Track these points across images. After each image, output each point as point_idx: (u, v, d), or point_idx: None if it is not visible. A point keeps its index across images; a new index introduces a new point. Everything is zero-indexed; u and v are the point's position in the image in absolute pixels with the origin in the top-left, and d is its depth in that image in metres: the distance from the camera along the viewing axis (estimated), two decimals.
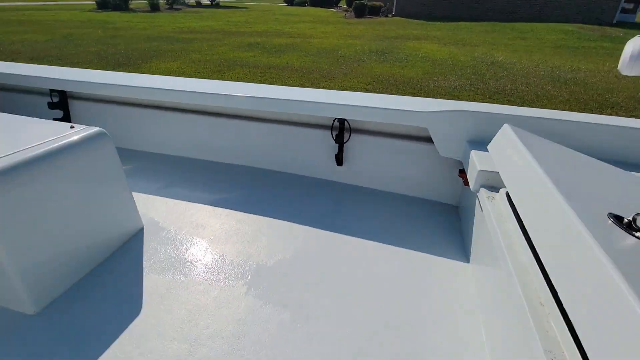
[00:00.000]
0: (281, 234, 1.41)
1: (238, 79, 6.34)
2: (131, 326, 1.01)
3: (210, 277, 1.19)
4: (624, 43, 0.91)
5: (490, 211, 1.05)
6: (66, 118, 2.11)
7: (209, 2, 27.65)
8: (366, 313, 1.07)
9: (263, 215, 1.52)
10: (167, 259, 1.27)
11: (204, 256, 1.29)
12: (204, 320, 1.03)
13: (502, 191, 1.12)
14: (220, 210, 1.56)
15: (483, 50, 9.32)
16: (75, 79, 1.93)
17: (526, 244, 0.86)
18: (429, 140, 1.57)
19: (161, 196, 1.65)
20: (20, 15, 16.36)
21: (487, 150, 1.28)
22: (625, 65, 0.90)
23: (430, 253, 1.34)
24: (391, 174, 1.71)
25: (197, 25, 14.01)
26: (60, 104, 2.07)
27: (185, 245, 1.34)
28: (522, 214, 0.80)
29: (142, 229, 1.42)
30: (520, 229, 0.91)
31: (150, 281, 1.17)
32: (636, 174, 1.20)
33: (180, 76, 6.51)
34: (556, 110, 1.39)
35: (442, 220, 1.55)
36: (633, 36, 0.91)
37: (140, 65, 7.23)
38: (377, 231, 1.45)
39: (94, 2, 22.37)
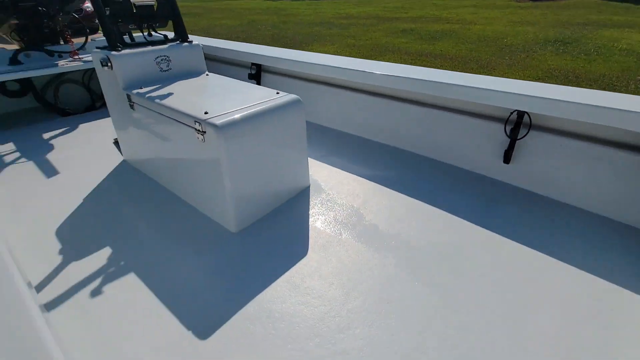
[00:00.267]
0: (432, 220, 1.41)
1: None
2: (300, 264, 1.21)
3: (362, 241, 1.30)
4: None
5: None
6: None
7: None
8: (524, 322, 0.99)
9: (414, 198, 1.54)
10: (327, 217, 1.45)
11: (359, 221, 1.41)
12: (358, 276, 1.15)
13: None
14: (373, 184, 1.66)
15: None
16: (269, 55, 2.31)
17: None
18: None
19: (323, 162, 1.86)
20: (221, 4, 20.29)
21: None
22: None
23: (615, 284, 1.11)
24: (575, 183, 1.46)
25: (354, 11, 14.54)
26: (256, 75, 2.52)
27: (342, 209, 1.49)
28: None
29: (308, 187, 1.64)
30: None
31: (314, 231, 1.36)
32: None
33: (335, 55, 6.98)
34: None
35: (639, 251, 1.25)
36: None
37: (304, 48, 8.05)
38: (541, 240, 1.28)
39: None
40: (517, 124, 1.51)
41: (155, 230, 1.39)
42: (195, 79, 1.69)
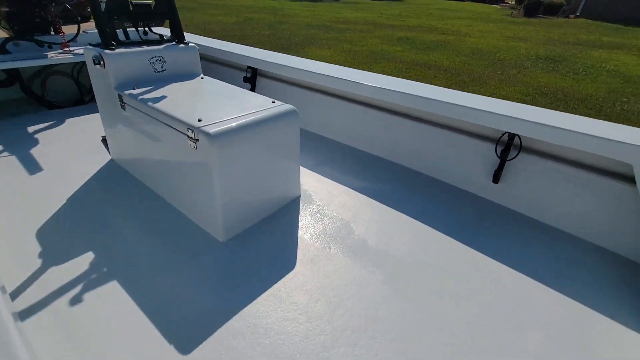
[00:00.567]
0: (421, 237, 1.42)
1: (382, 73, 6.42)
2: (286, 277, 1.20)
3: (350, 256, 1.30)
4: None
5: None
6: (253, 91, 2.55)
7: None
8: (509, 347, 1.00)
9: (404, 213, 1.55)
10: (316, 229, 1.44)
11: (348, 235, 1.41)
12: (344, 293, 1.15)
13: None
14: (363, 197, 1.66)
15: None
16: (265, 60, 2.30)
17: None
18: (628, 179, 1.31)
19: (315, 172, 1.85)
20: (216, 0, 20.13)
21: None
22: None
23: (595, 309, 1.14)
24: (560, 207, 1.49)
25: (351, 16, 14.62)
26: (251, 79, 2.50)
27: (331, 221, 1.49)
28: None
29: (299, 197, 1.64)
30: None
31: (303, 244, 1.35)
32: None
33: (332, 63, 7.00)
34: None
35: (623, 279, 1.28)
36: None
37: (300, 50, 8.05)
38: (526, 263, 1.31)
39: None
40: (508, 146, 1.53)
41: (141, 236, 1.36)
42: (189, 81, 1.66)
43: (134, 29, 1.68)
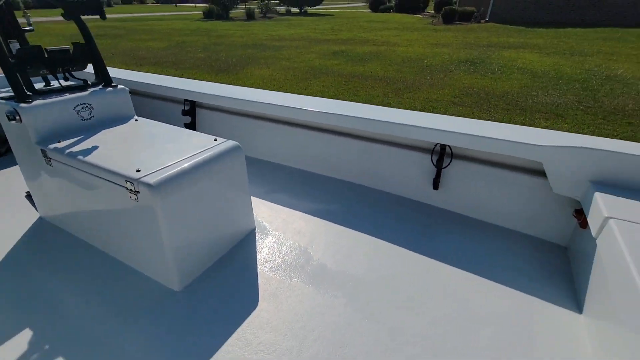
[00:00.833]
0: (375, 251, 1.48)
1: (323, 87, 6.62)
2: (250, 317, 1.18)
3: (312, 283, 1.32)
4: None
5: (617, 262, 0.97)
6: (193, 124, 2.49)
7: (297, 10, 29.20)
8: (464, 347, 1.08)
9: (358, 231, 1.61)
10: (275, 260, 1.44)
11: (307, 262, 1.43)
12: (310, 323, 1.15)
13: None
14: (318, 220, 1.70)
15: (597, 61, 8.18)
16: (203, 92, 2.27)
17: None
18: (541, 174, 1.49)
19: (266, 200, 1.85)
20: (144, 24, 19.33)
21: (613, 194, 1.18)
22: None
23: (530, 294, 1.28)
24: (492, 204, 1.65)
25: (286, 33, 14.90)
26: (190, 112, 2.44)
27: (289, 250, 1.50)
28: None
29: (254, 230, 1.62)
30: None
31: (263, 278, 1.34)
32: None
33: (272, 82, 7.05)
34: None
35: (547, 261, 1.45)
36: None
37: (238, 71, 8.00)
38: (471, 261, 1.43)
39: (201, 12, 25.40)
40: (441, 155, 1.68)
41: (86, 298, 1.24)
42: (122, 126, 1.58)
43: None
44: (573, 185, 1.34)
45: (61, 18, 1.47)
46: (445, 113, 5.22)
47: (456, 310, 1.21)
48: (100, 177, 1.22)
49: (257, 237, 1.57)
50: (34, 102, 1.37)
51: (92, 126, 1.54)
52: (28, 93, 1.40)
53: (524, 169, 1.55)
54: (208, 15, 22.58)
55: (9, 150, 2.39)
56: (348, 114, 1.79)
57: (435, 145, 1.68)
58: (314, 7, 32.04)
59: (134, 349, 1.06)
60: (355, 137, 1.96)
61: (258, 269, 1.39)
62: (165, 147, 1.36)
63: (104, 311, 1.19)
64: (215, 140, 1.43)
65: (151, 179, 1.12)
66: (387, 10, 29.31)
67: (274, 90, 6.94)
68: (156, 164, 1.21)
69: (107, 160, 1.24)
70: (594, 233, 1.15)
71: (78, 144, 1.36)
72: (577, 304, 1.23)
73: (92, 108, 1.54)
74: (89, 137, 1.43)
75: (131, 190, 1.13)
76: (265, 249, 1.50)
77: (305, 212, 1.75)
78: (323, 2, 33.27)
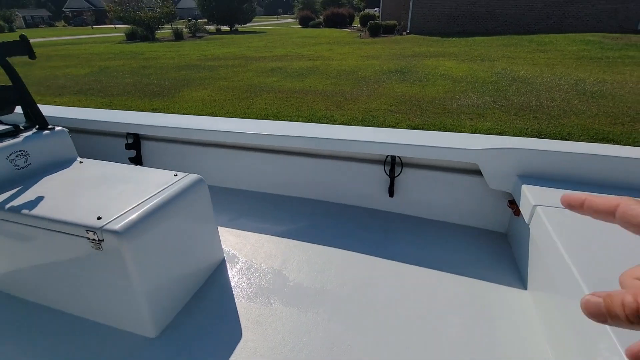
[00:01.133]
0: (345, 263, 1.55)
1: (266, 105, 6.66)
2: (236, 350, 1.17)
3: (293, 304, 1.35)
4: None
5: (547, 241, 1.16)
6: (138, 157, 2.37)
7: (228, 29, 28.98)
8: (440, 335, 1.19)
9: (326, 245, 1.68)
10: (251, 287, 1.44)
11: (284, 284, 1.45)
12: (297, 344, 1.18)
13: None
14: (286, 240, 1.73)
15: (502, 65, 9.38)
16: (147, 124, 2.18)
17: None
18: (478, 173, 1.70)
19: (231, 228, 1.84)
20: (59, 49, 17.65)
21: (537, 185, 1.40)
22: None
23: (483, 279, 1.45)
24: (440, 204, 1.84)
25: (219, 52, 14.70)
26: (134, 145, 2.32)
27: (263, 275, 1.51)
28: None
29: (224, 259, 1.60)
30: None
31: (243, 308, 1.34)
32: None
33: (213, 103, 6.90)
34: (601, 145, 1.50)
35: (492, 247, 1.66)
36: None
37: (174, 94, 7.70)
38: (429, 257, 1.58)
39: (122, 34, 23.92)
40: (393, 165, 1.83)
41: None
42: (66, 170, 1.47)
43: None
44: (504, 180, 1.56)
45: None
46: (384, 121, 5.59)
47: (426, 304, 1.32)
48: (53, 230, 1.13)
49: (228, 267, 1.55)
50: None
51: (30, 174, 1.41)
52: None
53: (464, 170, 1.76)
54: (131, 37, 21.36)
55: None
56: (302, 134, 1.87)
57: (387, 156, 1.83)
58: (245, 25, 32.08)
59: None
60: (311, 156, 2.04)
61: (235, 299, 1.37)
62: (123, 188, 1.30)
63: None
64: (175, 175, 1.40)
65: (115, 225, 1.07)
66: (316, 25, 30.46)
67: (216, 111, 6.77)
68: (117, 208, 1.15)
69: (57, 210, 1.15)
70: (526, 219, 1.36)
71: (18, 196, 1.24)
72: (521, 281, 1.43)
73: (29, 155, 1.41)
74: (30, 187, 1.31)
75: (94, 240, 1.07)
76: (239, 278, 1.49)
77: (272, 235, 1.77)
78: (253, 20, 33.48)
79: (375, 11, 30.21)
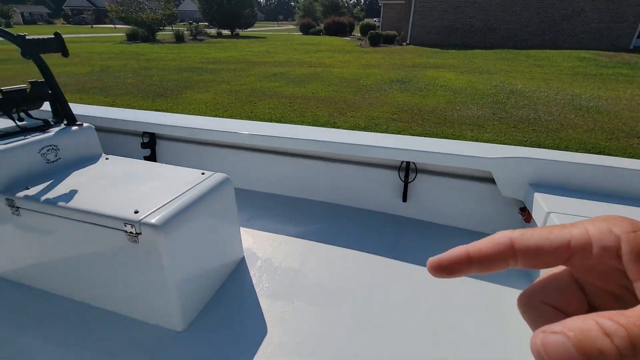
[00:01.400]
0: (362, 263, 1.60)
1: (269, 109, 6.72)
2: (262, 346, 1.20)
3: (314, 302, 1.38)
4: None
5: None
6: (153, 156, 2.40)
7: (229, 33, 29.15)
8: (456, 336, 1.24)
9: (342, 247, 1.72)
10: (272, 285, 1.47)
11: (303, 283, 1.49)
12: (321, 341, 1.22)
13: None
14: (302, 241, 1.77)
15: (501, 78, 9.59)
16: (164, 124, 2.22)
17: None
18: (490, 181, 1.76)
19: (248, 228, 1.87)
20: None
21: (549, 193, 1.47)
22: None
23: (498, 283, 1.50)
24: (452, 210, 1.89)
25: (221, 56, 14.78)
26: (150, 144, 2.36)
27: (283, 273, 1.54)
28: None
29: (243, 258, 1.63)
30: None
31: (265, 305, 1.37)
32: None
33: (216, 106, 6.94)
34: (609, 157, 1.57)
35: None
36: None
37: (177, 96, 7.73)
38: None
39: (122, 34, 23.94)
40: (407, 171, 1.88)
41: (76, 354, 1.14)
42: (93, 166, 1.50)
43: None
44: (517, 188, 1.63)
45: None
46: (386, 129, 5.68)
47: (441, 306, 1.37)
48: (88, 223, 1.16)
49: (248, 266, 1.59)
50: None
51: (59, 169, 1.43)
52: None
53: (477, 178, 1.83)
54: (132, 37, 21.38)
55: None
56: (317, 138, 1.92)
57: (402, 162, 1.89)
58: (246, 30, 32.29)
59: None
60: (326, 160, 2.09)
61: (258, 296, 1.41)
62: (153, 184, 1.33)
63: None
64: (202, 173, 1.44)
65: (152, 219, 1.10)
66: (317, 33, 30.80)
67: (219, 114, 6.81)
68: (152, 203, 1.19)
69: (92, 204, 1.18)
70: (539, 225, 1.42)
71: (52, 189, 1.27)
72: None
73: (58, 149, 1.44)
74: (61, 181, 1.34)
75: (131, 232, 1.10)
76: (259, 276, 1.52)
77: (289, 235, 1.81)
78: (254, 25, 33.71)
79: (376, 21, 30.65)
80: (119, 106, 7.06)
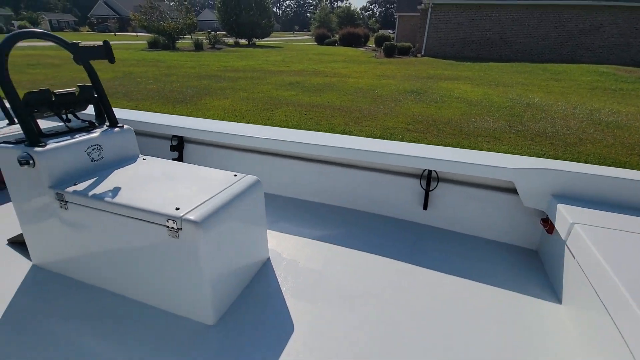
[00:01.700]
0: (383, 269, 1.64)
1: (285, 117, 6.84)
2: (289, 343, 1.25)
3: (338, 303, 1.43)
4: None
5: (586, 257, 1.24)
6: (180, 158, 2.50)
7: (246, 42, 29.83)
8: (473, 343, 1.26)
9: (364, 251, 1.76)
10: (297, 285, 1.52)
11: (327, 285, 1.53)
12: (346, 340, 1.26)
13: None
14: (325, 245, 1.82)
15: (517, 91, 9.54)
16: (191, 127, 2.32)
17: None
18: (512, 191, 1.79)
19: (272, 230, 1.94)
20: None
21: (572, 205, 1.49)
22: None
23: (518, 292, 1.52)
24: (473, 219, 1.92)
25: (239, 65, 15.13)
26: (178, 147, 2.46)
27: (307, 274, 1.59)
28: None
29: (269, 259, 1.69)
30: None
31: (291, 304, 1.42)
32: None
33: (234, 112, 7.11)
34: (632, 170, 1.58)
35: (523, 262, 1.73)
36: None
37: (196, 102, 7.94)
38: (461, 269, 1.65)
39: (144, 42, 24.76)
40: (429, 179, 1.92)
41: (111, 343, 1.21)
42: (132, 165, 1.59)
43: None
44: (539, 199, 1.65)
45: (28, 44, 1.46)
46: (401, 139, 5.71)
47: (461, 312, 1.39)
48: (132, 218, 1.24)
49: (273, 266, 1.64)
50: (48, 146, 1.35)
51: (101, 167, 1.53)
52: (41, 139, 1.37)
53: (498, 188, 1.85)
54: (153, 45, 22.09)
55: None
56: (340, 145, 1.98)
57: (424, 171, 1.93)
58: (263, 39, 32.98)
59: None
60: (349, 166, 2.15)
61: (284, 296, 1.46)
62: (190, 184, 1.41)
63: (138, 353, 1.18)
64: (235, 175, 1.52)
65: (192, 216, 1.18)
66: (331, 43, 31.23)
67: (237, 120, 6.97)
68: (191, 201, 1.26)
69: (136, 200, 1.26)
70: (563, 236, 1.43)
71: (98, 185, 1.36)
72: (555, 295, 1.49)
73: (102, 149, 1.54)
74: (105, 178, 1.43)
75: (172, 228, 1.17)
76: (284, 276, 1.58)
77: (312, 239, 1.86)
78: (271, 35, 34.41)
79: (390, 32, 30.90)
80: (142, 111, 7.31)
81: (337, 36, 31.97)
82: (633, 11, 15.66)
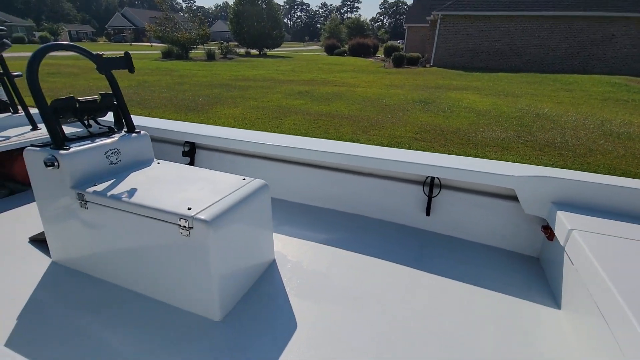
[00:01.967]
0: (385, 272, 1.68)
1: (294, 125, 6.96)
2: (292, 339, 1.29)
3: (341, 304, 1.47)
4: None
5: (583, 263, 1.27)
6: (192, 163, 2.60)
7: (257, 52, 30.43)
8: (473, 346, 1.29)
9: (367, 255, 1.81)
10: (301, 286, 1.58)
11: (330, 286, 1.58)
12: (348, 339, 1.30)
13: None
14: (329, 248, 1.87)
15: (526, 101, 9.51)
16: (203, 134, 2.42)
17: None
18: (513, 198, 1.82)
19: (278, 233, 2.00)
20: None
21: (571, 212, 1.52)
22: None
23: (519, 297, 1.54)
24: (475, 226, 1.95)
25: (250, 74, 15.43)
26: (190, 152, 2.56)
27: (311, 276, 1.64)
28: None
29: (274, 260, 1.75)
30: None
31: (295, 303, 1.47)
32: None
33: (244, 120, 7.27)
34: (633, 179, 1.61)
35: (524, 268, 1.75)
36: None
37: (208, 110, 8.14)
38: (463, 274, 1.68)
39: (158, 52, 25.48)
40: (432, 186, 1.97)
41: (122, 335, 1.28)
42: (147, 169, 1.68)
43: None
44: (540, 206, 1.68)
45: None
46: (409, 148, 5.75)
47: (462, 316, 1.42)
48: (147, 217, 1.31)
49: (278, 267, 1.70)
50: (71, 150, 1.45)
51: (119, 170, 1.63)
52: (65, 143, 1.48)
53: (500, 195, 1.89)
54: (167, 55, 22.71)
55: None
56: (345, 152, 2.05)
57: (427, 177, 1.98)
58: (273, 50, 33.59)
59: None
60: (353, 173, 2.21)
61: (288, 296, 1.51)
62: (201, 186, 1.49)
63: (149, 345, 1.24)
64: (243, 179, 1.59)
65: (203, 215, 1.25)
66: (341, 53, 31.61)
67: (247, 128, 7.11)
68: (202, 202, 1.34)
69: (150, 200, 1.34)
70: (562, 243, 1.46)
71: (115, 186, 1.45)
72: (554, 301, 1.51)
73: (120, 153, 1.64)
74: (122, 180, 1.52)
75: (184, 227, 1.25)
76: (289, 277, 1.63)
77: (317, 242, 1.92)
78: (281, 45, 35.02)
79: (400, 43, 31.16)
80: (156, 118, 7.53)
81: (346, 46, 32.37)
82: None
